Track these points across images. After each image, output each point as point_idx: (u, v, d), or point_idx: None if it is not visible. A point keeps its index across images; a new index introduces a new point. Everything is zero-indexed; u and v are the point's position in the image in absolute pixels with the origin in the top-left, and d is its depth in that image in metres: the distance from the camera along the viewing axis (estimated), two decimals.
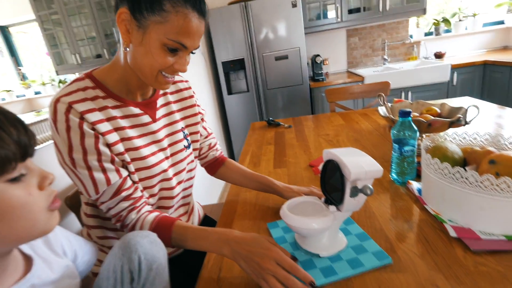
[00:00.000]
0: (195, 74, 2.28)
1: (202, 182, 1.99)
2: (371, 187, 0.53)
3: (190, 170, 0.85)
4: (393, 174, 0.83)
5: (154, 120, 0.73)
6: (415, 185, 0.77)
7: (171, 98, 0.80)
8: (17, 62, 3.51)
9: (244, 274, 0.58)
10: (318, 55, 2.77)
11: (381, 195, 0.78)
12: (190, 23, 0.58)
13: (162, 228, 0.62)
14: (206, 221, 1.01)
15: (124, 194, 0.64)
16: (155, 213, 0.66)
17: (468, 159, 0.65)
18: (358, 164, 0.53)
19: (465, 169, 0.56)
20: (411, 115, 0.76)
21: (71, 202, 0.88)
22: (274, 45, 2.57)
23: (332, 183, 0.59)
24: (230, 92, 2.80)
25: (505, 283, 0.47)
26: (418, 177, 0.81)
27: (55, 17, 2.71)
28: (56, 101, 0.59)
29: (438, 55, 2.94)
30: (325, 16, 2.79)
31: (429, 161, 0.64)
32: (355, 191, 0.54)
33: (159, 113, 0.75)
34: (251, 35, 2.54)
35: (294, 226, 0.58)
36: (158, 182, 0.73)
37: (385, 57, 3.05)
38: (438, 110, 1.04)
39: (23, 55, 3.53)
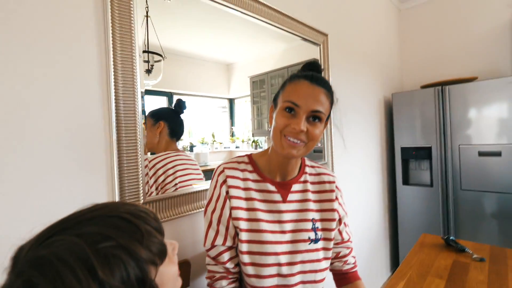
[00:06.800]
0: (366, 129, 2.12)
1: None
2: None
3: (315, 271, 0.74)
4: None
5: (284, 200, 0.75)
6: None
7: (310, 187, 0.80)
8: (231, 122, 4.72)
9: None
10: None
11: None
12: (299, 85, 0.69)
13: None
14: None
15: (221, 260, 0.71)
16: None
17: None
18: None
19: None
20: None
21: None
22: (478, 137, 2.01)
23: None
24: (406, 182, 2.38)
25: None
26: None
27: (263, 94, 3.46)
28: (221, 165, 0.76)
29: None
30: None
31: None
32: None
33: (292, 196, 0.77)
34: (444, 122, 2.13)
35: None
36: (270, 265, 0.70)
37: None
38: None
39: (237, 118, 4.74)
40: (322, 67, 1.57)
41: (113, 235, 0.35)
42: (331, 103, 0.72)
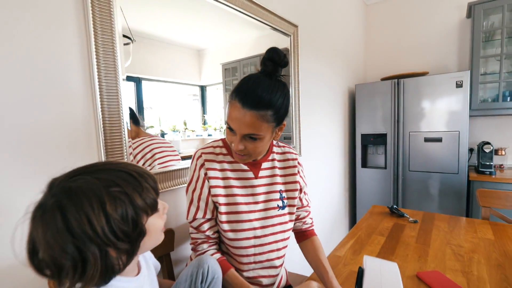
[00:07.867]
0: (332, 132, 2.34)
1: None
2: None
3: (283, 231, 0.91)
4: None
5: (256, 177, 0.88)
6: None
7: (277, 164, 0.94)
8: (203, 110, 4.78)
9: None
10: (488, 143, 2.24)
11: None
12: (231, 109, 0.73)
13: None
14: None
15: (202, 229, 0.83)
16: (219, 255, 0.83)
17: None
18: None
19: None
20: None
21: None
22: (425, 125, 2.31)
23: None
24: (364, 165, 2.66)
25: None
26: None
27: (235, 82, 3.54)
28: (198, 150, 0.86)
29: None
30: (506, 99, 2.28)
31: None
32: None
33: (262, 172, 0.90)
34: (398, 111, 2.40)
35: None
36: (246, 230, 0.84)
37: None
38: None
39: (209, 106, 4.79)
40: (292, 57, 1.72)
41: (121, 184, 0.47)
42: (272, 118, 0.73)
